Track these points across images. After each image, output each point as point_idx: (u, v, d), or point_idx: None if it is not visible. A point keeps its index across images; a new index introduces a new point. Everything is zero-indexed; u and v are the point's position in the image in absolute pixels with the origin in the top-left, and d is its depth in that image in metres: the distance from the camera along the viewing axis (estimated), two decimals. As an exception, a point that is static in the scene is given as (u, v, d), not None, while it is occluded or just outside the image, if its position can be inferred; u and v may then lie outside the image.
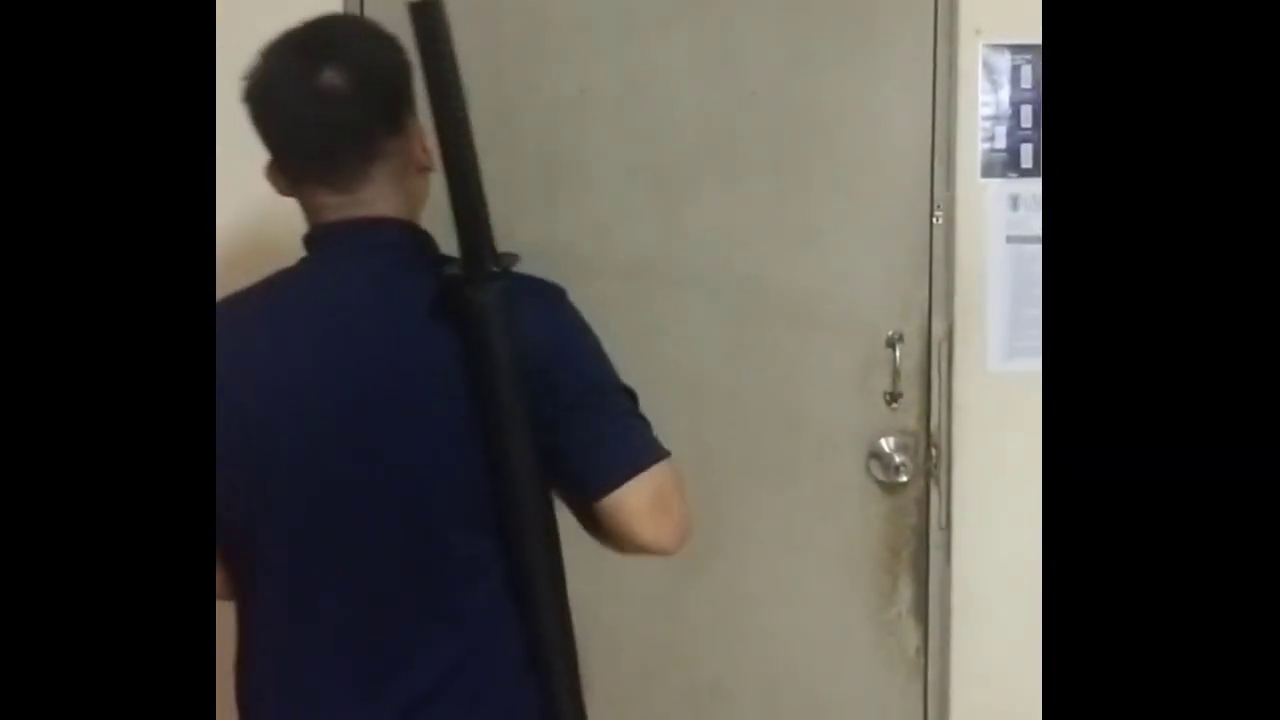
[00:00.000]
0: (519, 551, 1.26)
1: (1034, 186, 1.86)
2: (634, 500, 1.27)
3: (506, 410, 1.23)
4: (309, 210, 1.33)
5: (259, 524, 1.28)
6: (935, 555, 1.90)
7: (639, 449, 1.29)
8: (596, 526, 1.30)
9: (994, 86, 1.87)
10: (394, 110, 1.29)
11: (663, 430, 1.32)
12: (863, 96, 1.88)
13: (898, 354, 1.89)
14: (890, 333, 1.89)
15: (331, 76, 1.26)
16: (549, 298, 1.32)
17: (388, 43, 1.31)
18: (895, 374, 1.89)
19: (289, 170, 1.31)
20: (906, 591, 1.91)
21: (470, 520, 1.27)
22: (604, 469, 1.27)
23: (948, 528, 1.89)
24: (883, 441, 1.89)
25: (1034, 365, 1.83)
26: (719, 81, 1.88)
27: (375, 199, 1.30)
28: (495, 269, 1.22)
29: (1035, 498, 1.75)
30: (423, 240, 1.34)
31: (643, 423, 1.32)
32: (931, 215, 1.88)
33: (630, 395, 1.32)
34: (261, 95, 1.29)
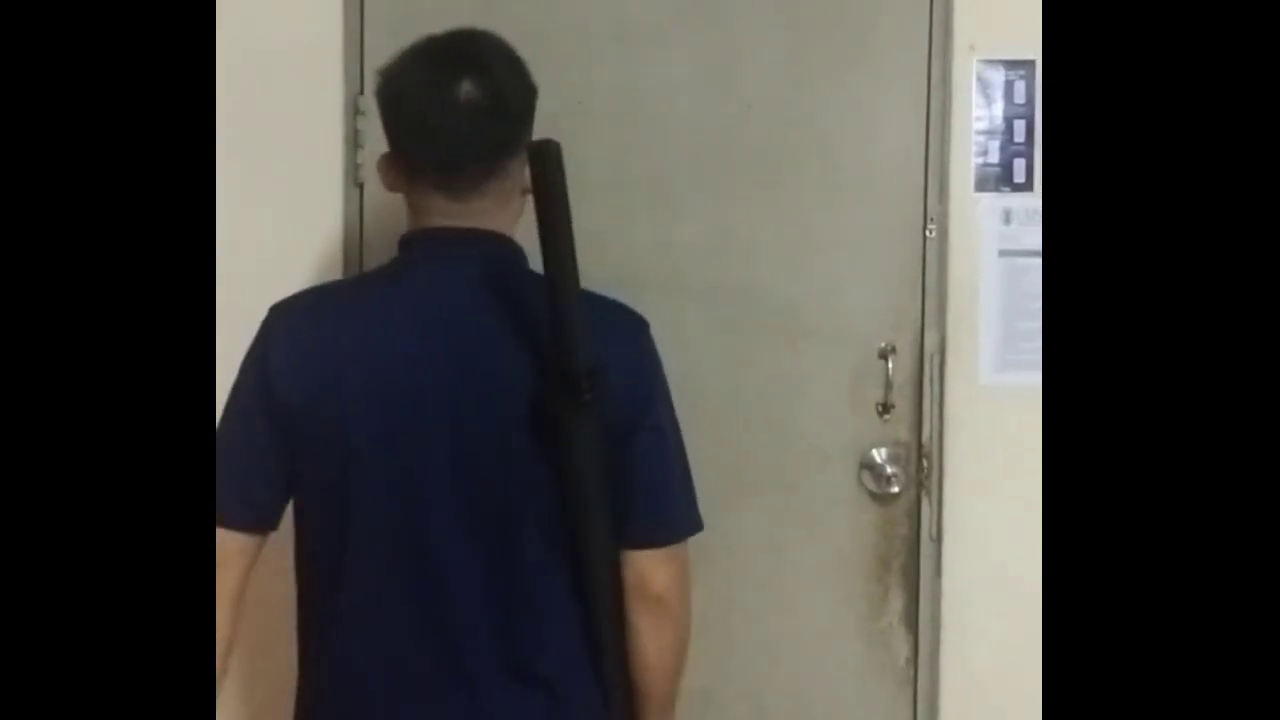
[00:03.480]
0: (588, 581, 1.33)
1: (1027, 201, 1.88)
2: (650, 561, 1.35)
3: (591, 525, 1.30)
4: (416, 210, 1.37)
5: (342, 498, 1.32)
6: (926, 566, 1.91)
7: (681, 521, 1.37)
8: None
9: (988, 101, 1.88)
10: (518, 132, 1.33)
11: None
12: (857, 110, 1.90)
13: (890, 366, 1.90)
14: (883, 344, 1.90)
15: (469, 90, 1.30)
16: (634, 331, 1.38)
17: (520, 67, 1.37)
18: (887, 385, 1.90)
19: (407, 170, 1.35)
20: (897, 602, 1.92)
21: (544, 530, 1.32)
22: (643, 525, 1.34)
23: (938, 539, 1.90)
24: (874, 452, 1.90)
25: (1026, 378, 1.84)
26: (715, 94, 1.90)
27: (484, 211, 1.35)
28: (587, 396, 1.26)
29: (1026, 510, 1.77)
30: (517, 254, 1.39)
31: (687, 477, 1.38)
32: (925, 229, 1.89)
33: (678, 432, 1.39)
34: (396, 95, 1.34)
